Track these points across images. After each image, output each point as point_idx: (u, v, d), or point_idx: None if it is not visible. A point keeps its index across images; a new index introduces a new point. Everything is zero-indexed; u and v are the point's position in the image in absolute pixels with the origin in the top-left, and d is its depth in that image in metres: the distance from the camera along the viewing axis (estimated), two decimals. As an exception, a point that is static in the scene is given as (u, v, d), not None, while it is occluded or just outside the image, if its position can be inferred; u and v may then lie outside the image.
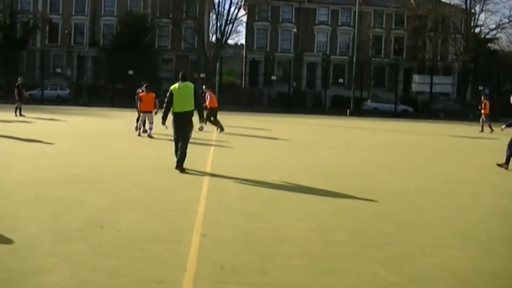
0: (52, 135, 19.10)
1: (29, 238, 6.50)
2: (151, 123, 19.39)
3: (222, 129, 22.47)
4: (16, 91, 28.00)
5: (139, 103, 19.92)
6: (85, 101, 49.20)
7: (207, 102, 22.52)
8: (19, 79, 27.81)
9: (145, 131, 19.63)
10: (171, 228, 7.21)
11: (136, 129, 20.10)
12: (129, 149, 16.17)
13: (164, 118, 12.29)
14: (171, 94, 12.08)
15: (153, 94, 19.94)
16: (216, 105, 23.30)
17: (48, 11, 64.51)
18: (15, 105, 27.95)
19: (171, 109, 12.11)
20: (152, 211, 8.13)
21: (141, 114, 19.68)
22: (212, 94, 23.59)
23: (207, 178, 11.28)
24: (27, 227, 6.96)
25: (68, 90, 55.58)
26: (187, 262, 5.79)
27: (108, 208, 8.24)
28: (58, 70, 59.37)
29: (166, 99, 12.16)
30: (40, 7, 64.37)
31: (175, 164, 11.96)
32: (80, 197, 8.91)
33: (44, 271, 5.37)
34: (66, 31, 63.99)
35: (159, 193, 9.55)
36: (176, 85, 12.25)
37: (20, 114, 27.13)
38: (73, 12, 65.44)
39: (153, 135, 18.98)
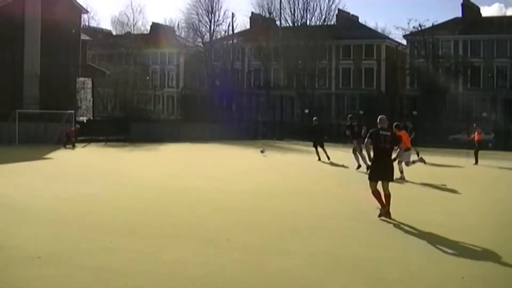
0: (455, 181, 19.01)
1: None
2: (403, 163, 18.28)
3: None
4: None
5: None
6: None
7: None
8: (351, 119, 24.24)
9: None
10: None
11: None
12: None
13: None
14: None
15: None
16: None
17: (469, 55, 65.32)
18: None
19: None
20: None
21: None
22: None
23: None
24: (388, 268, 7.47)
25: (493, 135, 54.67)
26: None
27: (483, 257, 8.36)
28: (484, 114, 58.84)
29: None
30: (460, 52, 65.67)
31: None
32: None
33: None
34: (490, 75, 63.81)
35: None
36: None
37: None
38: (495, 55, 65.10)
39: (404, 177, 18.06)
